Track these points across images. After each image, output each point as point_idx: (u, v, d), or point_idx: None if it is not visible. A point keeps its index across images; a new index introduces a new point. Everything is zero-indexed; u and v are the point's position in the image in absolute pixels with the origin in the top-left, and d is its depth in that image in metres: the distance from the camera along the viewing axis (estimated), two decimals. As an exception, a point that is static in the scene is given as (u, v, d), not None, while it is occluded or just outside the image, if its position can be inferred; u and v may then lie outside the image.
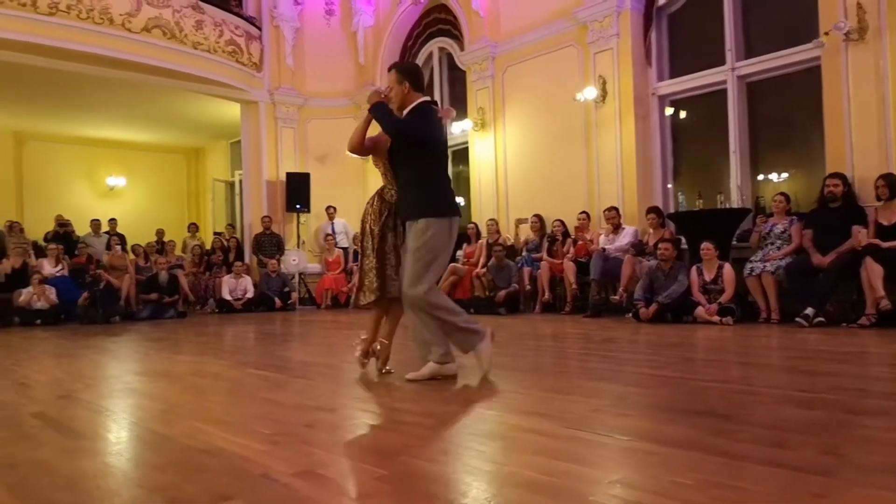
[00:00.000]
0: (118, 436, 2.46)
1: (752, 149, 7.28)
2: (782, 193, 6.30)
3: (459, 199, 10.61)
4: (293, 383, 3.43)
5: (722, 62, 7.33)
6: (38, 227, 11.35)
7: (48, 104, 11.19)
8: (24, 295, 8.38)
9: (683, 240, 6.99)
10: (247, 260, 10.89)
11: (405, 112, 3.45)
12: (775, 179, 7.34)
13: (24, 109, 11.47)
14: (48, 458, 2.09)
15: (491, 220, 8.98)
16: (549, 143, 8.66)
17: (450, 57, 10.40)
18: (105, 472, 1.93)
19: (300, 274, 10.76)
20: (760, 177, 7.41)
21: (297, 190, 10.93)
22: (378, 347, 3.54)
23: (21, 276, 8.79)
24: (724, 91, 7.33)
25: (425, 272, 3.25)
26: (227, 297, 9.87)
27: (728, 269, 6.04)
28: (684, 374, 3.33)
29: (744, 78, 7.25)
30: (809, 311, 5.33)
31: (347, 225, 11.09)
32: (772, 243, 6.14)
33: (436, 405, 2.72)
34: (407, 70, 3.64)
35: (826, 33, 6.12)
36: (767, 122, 7.39)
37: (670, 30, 7.93)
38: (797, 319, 5.38)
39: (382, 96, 3.54)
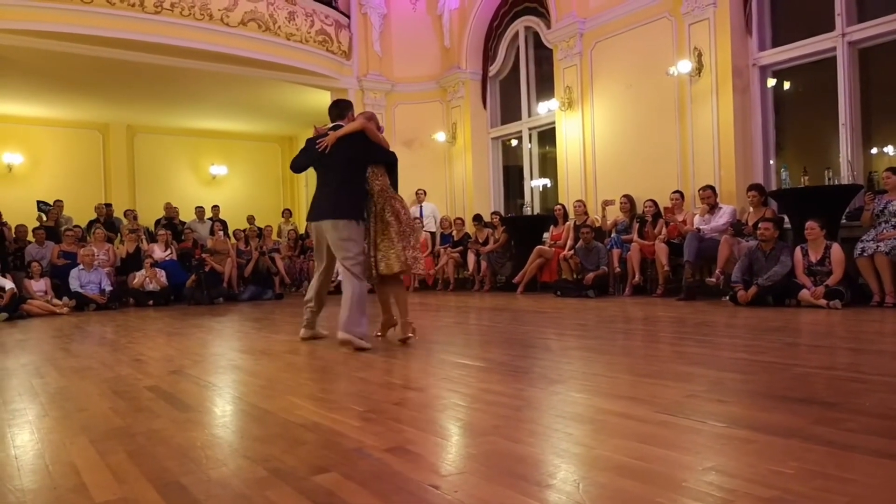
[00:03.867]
0: (223, 409, 2.62)
1: (863, 120, 6.77)
2: (891, 168, 5.82)
3: (545, 181, 10.54)
4: (383, 363, 3.53)
5: (831, 28, 6.83)
6: (148, 214, 12.16)
7: (156, 98, 11.90)
8: (138, 277, 9.02)
9: (786, 219, 6.62)
10: (338, 243, 11.20)
11: None
12: (890, 153, 6.79)
13: (134, 103, 12.24)
14: (162, 428, 2.25)
15: (578, 201, 8.81)
16: (639, 120, 8.38)
17: (536, 36, 10.23)
18: (212, 443, 2.07)
19: (389, 257, 10.96)
20: (874, 150, 6.88)
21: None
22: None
23: (134, 260, 9.46)
24: (833, 59, 6.83)
25: None
26: (321, 279, 10.22)
27: (836, 249, 5.67)
28: (786, 360, 3.17)
29: (855, 44, 6.73)
30: (929, 294, 4.94)
31: (436, 208, 11.20)
32: (886, 221, 5.70)
33: (524, 387, 2.73)
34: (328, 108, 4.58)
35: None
36: (881, 92, 6.83)
37: (772, -5, 7.46)
38: (915, 303, 4.99)
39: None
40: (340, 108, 4.45)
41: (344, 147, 4.17)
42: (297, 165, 4.48)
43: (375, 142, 4.27)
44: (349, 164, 4.19)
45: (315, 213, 4.28)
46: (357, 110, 12.22)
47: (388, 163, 4.36)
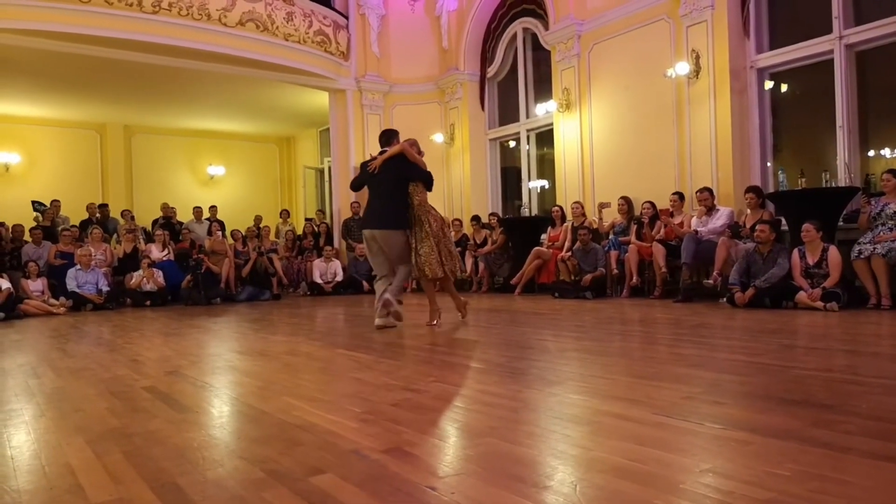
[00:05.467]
0: (220, 410, 2.62)
1: (860, 123, 6.79)
2: (891, 170, 5.83)
3: (543, 182, 10.56)
4: (381, 364, 3.52)
5: (828, 30, 6.85)
6: (145, 215, 12.14)
7: (153, 98, 11.89)
8: (135, 278, 9.00)
9: (784, 221, 6.63)
10: (336, 244, 11.22)
11: None
12: (888, 155, 6.81)
13: (132, 104, 12.23)
14: (159, 428, 2.25)
15: (576, 202, 8.82)
16: (637, 122, 8.39)
17: (534, 37, 10.24)
18: (209, 444, 2.06)
19: (387, 258, 10.96)
20: (870, 153, 6.90)
21: (383, 175, 11.10)
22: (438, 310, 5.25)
23: (132, 261, 9.44)
24: (831, 61, 6.85)
25: None
26: (318, 280, 10.23)
27: (833, 251, 5.68)
28: (783, 362, 3.17)
29: (852, 47, 6.74)
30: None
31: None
32: (883, 224, 5.71)
33: (521, 388, 2.73)
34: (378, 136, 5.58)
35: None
36: (878, 94, 6.86)
37: (770, -2, 7.47)
38: (912, 306, 5.00)
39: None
40: (388, 136, 5.42)
41: (389, 168, 5.12)
42: (355, 185, 5.57)
43: (413, 162, 5.17)
44: (393, 182, 5.12)
45: (369, 223, 5.20)
46: (354, 110, 12.27)
47: (425, 180, 5.23)
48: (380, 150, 5.36)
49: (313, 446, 1.97)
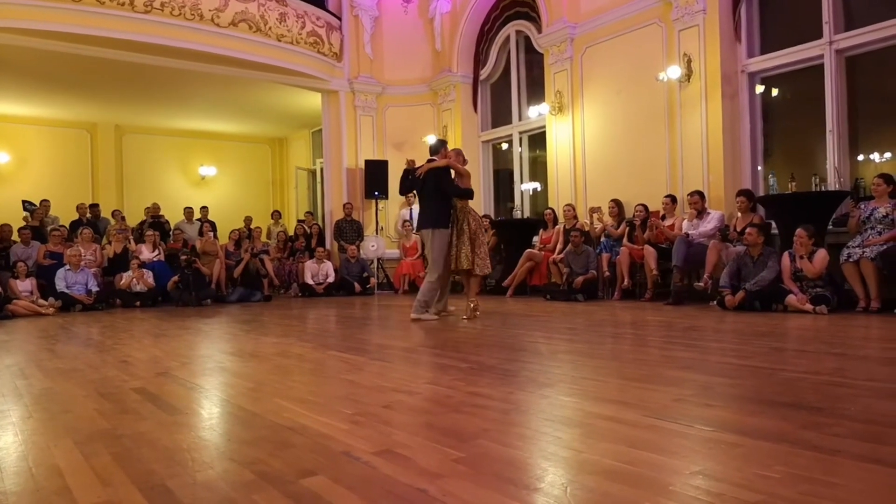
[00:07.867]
0: (210, 412, 2.60)
1: (850, 127, 6.84)
2: (882, 175, 5.88)
3: (535, 185, 10.58)
4: (372, 365, 3.52)
5: (818, 35, 6.90)
6: (136, 215, 12.08)
7: (145, 98, 11.83)
8: (125, 278, 8.95)
9: (774, 225, 6.67)
10: (328, 246, 11.19)
11: None
12: (877, 160, 6.87)
13: (123, 103, 12.17)
14: (148, 430, 2.23)
15: (568, 205, 8.84)
16: (629, 125, 8.42)
17: (527, 40, 10.27)
18: (199, 446, 2.05)
19: (379, 259, 10.98)
20: (860, 157, 6.96)
21: (375, 177, 11.12)
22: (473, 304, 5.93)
23: (122, 261, 9.38)
24: (821, 66, 6.90)
25: None
26: (310, 281, 10.20)
27: (821, 251, 5.72)
28: (773, 365, 3.19)
29: (842, 52, 6.80)
30: (914, 300, 4.98)
31: (425, 211, 11.20)
32: (872, 228, 5.75)
33: (513, 390, 2.73)
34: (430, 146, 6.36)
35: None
36: (868, 99, 6.91)
37: (761, 3, 7.52)
38: (900, 309, 5.04)
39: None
40: (436, 146, 6.24)
41: (432, 176, 5.88)
42: (402, 190, 6.37)
43: (457, 174, 5.95)
44: (434, 189, 5.89)
45: (421, 224, 6.07)
46: (347, 111, 12.26)
47: (458, 196, 5.89)
48: (428, 158, 6.07)
49: (304, 448, 1.96)
